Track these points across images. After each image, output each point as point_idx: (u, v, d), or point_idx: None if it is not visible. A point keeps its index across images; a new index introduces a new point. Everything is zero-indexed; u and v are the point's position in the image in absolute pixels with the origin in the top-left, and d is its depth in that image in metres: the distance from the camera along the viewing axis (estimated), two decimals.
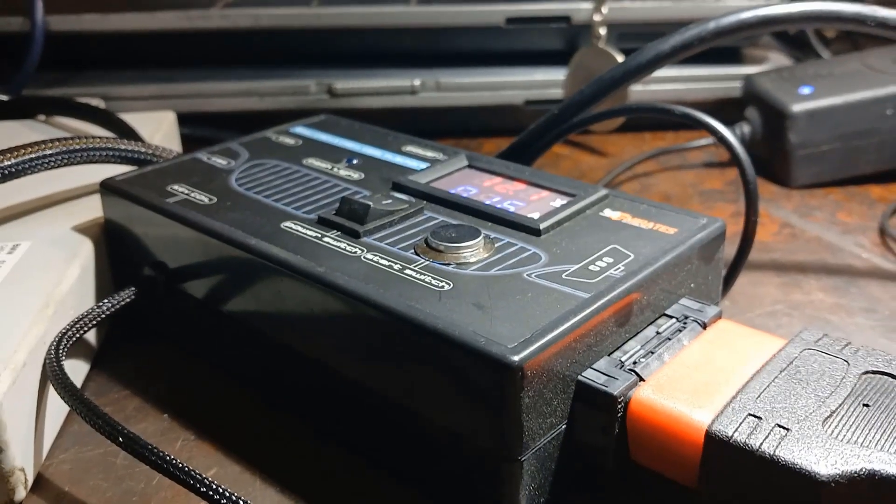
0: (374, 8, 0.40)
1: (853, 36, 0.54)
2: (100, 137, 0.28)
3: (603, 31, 0.40)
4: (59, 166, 0.27)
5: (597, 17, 0.40)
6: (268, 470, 0.21)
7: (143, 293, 0.25)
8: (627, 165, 0.38)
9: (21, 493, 0.20)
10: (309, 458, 0.22)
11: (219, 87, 0.41)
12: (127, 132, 0.33)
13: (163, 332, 0.26)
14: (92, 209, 0.28)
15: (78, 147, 0.27)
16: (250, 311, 0.23)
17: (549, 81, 0.42)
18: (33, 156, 0.26)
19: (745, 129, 0.38)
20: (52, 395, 0.22)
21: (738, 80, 0.41)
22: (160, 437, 0.22)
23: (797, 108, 0.36)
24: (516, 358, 0.17)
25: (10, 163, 0.26)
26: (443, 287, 0.20)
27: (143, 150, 0.28)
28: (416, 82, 0.41)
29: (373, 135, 0.30)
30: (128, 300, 0.24)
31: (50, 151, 0.27)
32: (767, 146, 0.38)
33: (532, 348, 0.17)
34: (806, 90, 0.37)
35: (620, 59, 0.39)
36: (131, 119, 0.35)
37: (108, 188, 0.26)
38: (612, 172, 0.38)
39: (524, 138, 0.28)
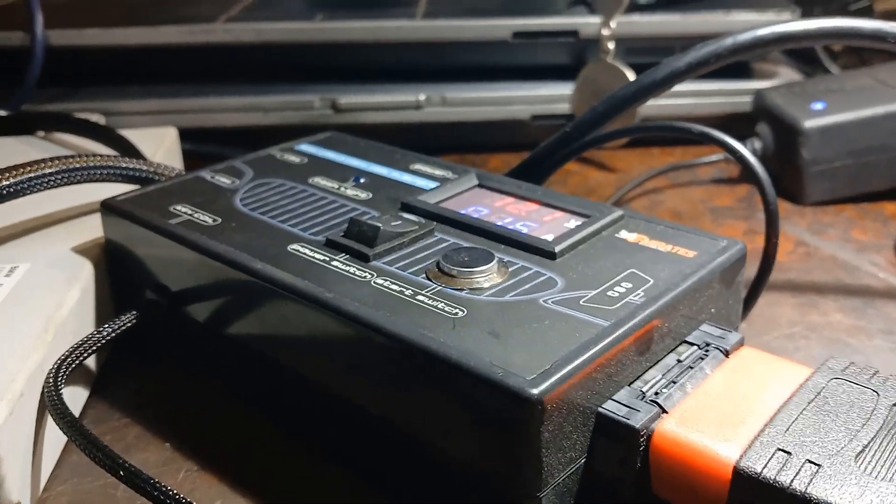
0: (378, 22, 0.40)
1: (860, 51, 0.54)
2: (101, 155, 0.27)
3: (611, 45, 0.39)
4: (59, 185, 0.26)
5: (605, 32, 0.39)
6: (274, 501, 0.20)
7: (144, 317, 0.24)
8: (637, 182, 0.37)
9: None
10: (316, 488, 0.21)
11: (221, 102, 0.41)
12: (128, 149, 0.32)
13: (164, 356, 0.26)
14: (92, 229, 0.27)
15: (78, 166, 0.27)
16: (256, 336, 0.22)
17: (555, 96, 0.41)
18: (33, 175, 0.26)
19: (756, 144, 0.37)
20: (51, 423, 0.21)
21: (748, 94, 0.41)
22: (162, 467, 0.22)
23: (810, 124, 0.35)
24: (536, 391, 0.16)
25: (9, 183, 0.25)
26: (456, 314, 0.19)
27: (144, 168, 0.28)
28: (422, 97, 0.41)
29: (379, 152, 0.29)
30: (129, 324, 0.24)
31: (50, 171, 0.26)
32: (779, 162, 0.37)
33: (552, 380, 0.16)
34: (818, 106, 0.36)
35: (629, 73, 0.39)
36: (132, 135, 0.34)
37: (108, 208, 0.25)
38: (621, 189, 0.37)
39: (535, 156, 0.28)
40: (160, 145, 0.35)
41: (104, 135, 0.33)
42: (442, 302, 0.19)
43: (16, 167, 0.26)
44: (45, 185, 0.26)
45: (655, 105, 0.41)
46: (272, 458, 0.22)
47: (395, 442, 0.19)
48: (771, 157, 0.37)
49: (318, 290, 0.20)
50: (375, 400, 0.19)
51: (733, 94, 0.41)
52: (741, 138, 0.38)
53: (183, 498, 0.18)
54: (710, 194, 0.38)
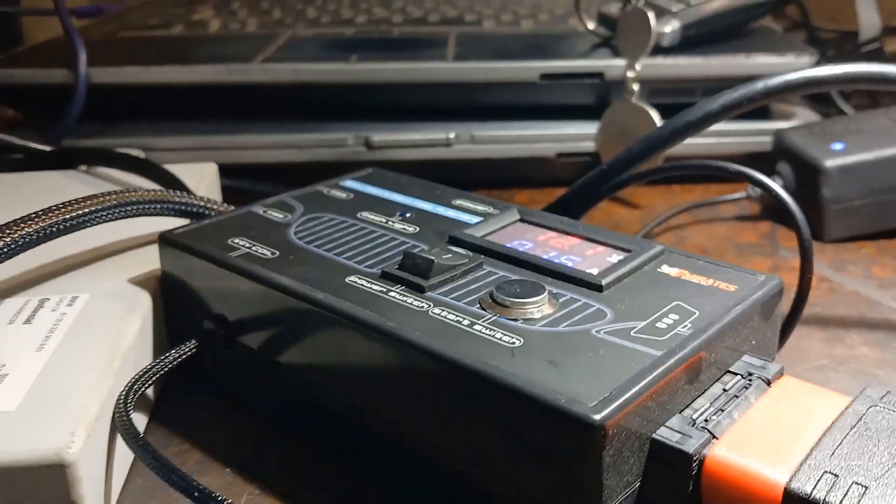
0: (411, 64, 0.41)
1: (873, 92, 0.55)
2: (155, 190, 0.28)
3: (636, 87, 0.41)
4: (115, 219, 0.28)
5: (630, 74, 0.41)
6: None
7: (203, 346, 0.25)
8: (662, 219, 0.38)
9: None
10: None
11: (258, 139, 0.42)
12: (175, 185, 0.33)
13: (219, 384, 0.27)
14: (146, 261, 0.28)
15: (134, 199, 0.28)
16: (314, 365, 0.23)
17: (581, 135, 0.42)
18: (93, 208, 0.27)
19: (777, 182, 0.39)
20: (117, 449, 0.22)
21: (767, 134, 0.42)
22: (225, 491, 0.22)
23: (830, 163, 0.37)
24: (598, 417, 0.17)
25: (71, 215, 0.26)
26: (513, 343, 0.20)
27: (198, 203, 0.29)
28: (451, 135, 0.42)
29: (421, 188, 0.30)
30: (190, 353, 0.24)
31: (109, 204, 0.27)
32: (799, 200, 0.38)
33: (613, 407, 0.17)
34: (838, 146, 0.38)
35: (653, 113, 0.40)
36: (174, 171, 0.35)
37: (167, 241, 0.26)
38: (647, 225, 0.38)
39: (573, 192, 0.29)
40: (201, 180, 0.36)
41: (151, 171, 0.35)
42: (498, 331, 0.20)
43: (76, 201, 0.27)
44: (103, 218, 0.27)
45: (679, 145, 0.42)
46: (332, 484, 0.23)
47: (454, 469, 0.20)
48: (791, 195, 0.38)
49: (380, 320, 0.21)
50: (434, 428, 0.20)
51: (753, 133, 0.43)
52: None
53: None
54: (733, 231, 0.39)
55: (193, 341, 0.25)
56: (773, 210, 0.40)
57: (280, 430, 0.25)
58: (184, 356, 0.24)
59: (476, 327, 0.21)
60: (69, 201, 0.27)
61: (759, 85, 0.26)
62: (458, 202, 0.29)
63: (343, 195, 0.30)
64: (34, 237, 0.26)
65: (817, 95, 0.53)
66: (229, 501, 0.19)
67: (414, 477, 0.22)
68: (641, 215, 0.41)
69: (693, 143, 0.42)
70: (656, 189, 0.43)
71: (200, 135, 0.42)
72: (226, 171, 0.40)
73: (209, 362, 0.26)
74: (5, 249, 0.25)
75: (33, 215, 0.26)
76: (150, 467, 0.20)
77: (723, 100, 0.26)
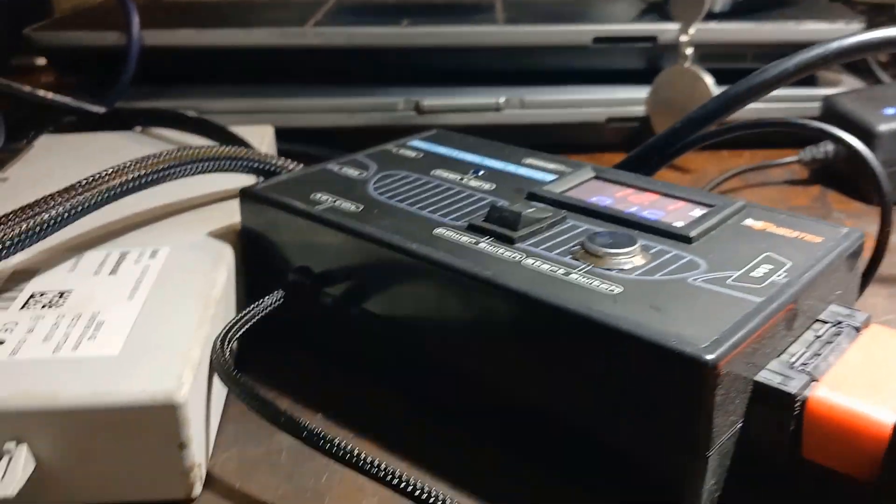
0: (464, 28, 0.41)
1: None
2: (235, 148, 0.29)
3: (689, 51, 0.41)
4: (194, 174, 0.28)
5: (683, 38, 0.41)
6: (433, 465, 0.22)
7: (289, 297, 0.25)
8: (715, 182, 0.39)
9: (198, 489, 0.21)
10: (470, 456, 0.22)
11: (309, 103, 0.42)
12: (239, 144, 0.34)
13: (301, 336, 0.27)
14: (220, 216, 0.28)
15: (212, 155, 0.28)
16: (405, 315, 0.23)
17: (631, 99, 0.42)
18: (175, 163, 0.27)
19: (829, 147, 0.39)
20: (214, 394, 0.23)
21: (815, 100, 0.42)
22: None
23: (883, 127, 0.37)
24: (711, 357, 0.18)
25: (157, 168, 0.26)
26: (613, 291, 0.20)
27: (274, 162, 0.29)
28: (501, 100, 0.42)
29: (489, 148, 0.30)
30: (277, 303, 0.25)
31: (189, 160, 0.27)
32: (851, 164, 0.39)
33: (724, 348, 0.18)
34: (890, 111, 0.38)
35: (707, 78, 0.40)
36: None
37: (249, 196, 0.27)
38: (703, 189, 0.38)
39: (646, 149, 0.29)
40: (262, 142, 0.37)
41: (213, 131, 0.35)
42: (596, 280, 0.21)
43: (156, 156, 0.27)
44: (182, 172, 0.28)
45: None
46: (423, 430, 0.23)
47: (555, 417, 0.21)
48: (842, 159, 0.39)
49: (477, 268, 0.21)
50: (537, 376, 0.21)
51: (801, 99, 0.43)
52: (811, 141, 0.39)
53: (367, 456, 0.19)
54: (784, 194, 0.39)
55: (280, 291, 0.25)
56: (821, 174, 0.41)
57: (368, 379, 0.25)
58: (274, 304, 0.25)
59: (572, 276, 0.21)
60: (148, 156, 0.27)
61: (834, 45, 0.27)
62: (529, 160, 0.29)
63: (413, 154, 0.30)
64: (119, 190, 0.26)
65: (853, 65, 0.53)
66: (337, 439, 0.19)
67: (520, 423, 0.22)
68: (692, 180, 0.41)
69: (744, 109, 0.42)
70: (704, 155, 0.44)
71: (251, 98, 0.42)
72: (277, 134, 0.41)
73: (292, 313, 0.26)
74: (93, 201, 0.25)
75: (114, 170, 0.26)
76: (254, 409, 0.21)
77: (798, 59, 0.27)
